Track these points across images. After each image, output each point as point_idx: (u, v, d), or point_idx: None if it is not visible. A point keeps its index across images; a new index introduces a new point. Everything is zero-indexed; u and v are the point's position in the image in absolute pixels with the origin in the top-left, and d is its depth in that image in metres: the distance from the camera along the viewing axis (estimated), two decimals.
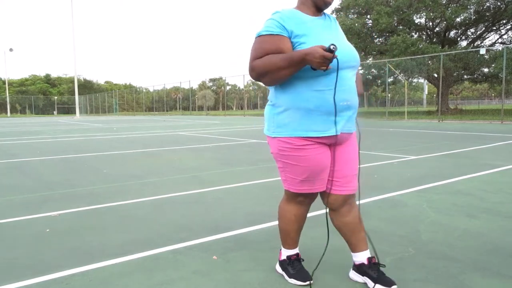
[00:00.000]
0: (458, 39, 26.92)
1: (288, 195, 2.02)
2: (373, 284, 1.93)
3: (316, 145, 1.86)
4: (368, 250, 2.03)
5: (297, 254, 2.12)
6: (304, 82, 1.78)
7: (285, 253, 2.12)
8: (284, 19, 1.78)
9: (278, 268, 2.18)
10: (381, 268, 2.00)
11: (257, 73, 1.77)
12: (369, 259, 1.99)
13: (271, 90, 1.93)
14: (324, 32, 1.82)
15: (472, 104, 57.60)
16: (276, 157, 1.95)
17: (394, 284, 1.91)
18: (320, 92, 1.77)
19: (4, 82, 61.48)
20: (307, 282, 1.99)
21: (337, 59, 1.69)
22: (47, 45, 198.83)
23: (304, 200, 2.00)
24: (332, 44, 1.58)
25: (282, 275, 2.11)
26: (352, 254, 2.04)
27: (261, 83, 1.92)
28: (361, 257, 2.00)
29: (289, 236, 2.08)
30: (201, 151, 7.88)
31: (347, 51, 1.81)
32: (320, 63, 1.60)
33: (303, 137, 1.83)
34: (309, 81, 1.77)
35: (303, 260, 2.13)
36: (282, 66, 1.70)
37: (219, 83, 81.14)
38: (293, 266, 2.07)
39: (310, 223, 2.69)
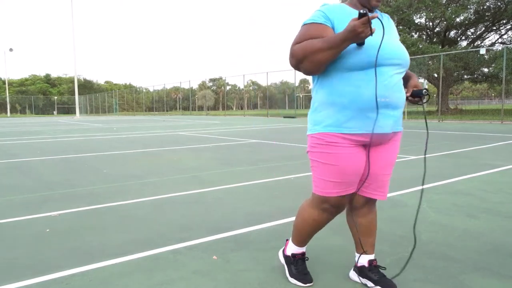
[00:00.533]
0: (458, 39, 26.94)
1: (314, 198, 1.91)
2: (374, 286, 1.93)
3: (349, 144, 1.77)
4: (373, 255, 2.02)
5: (303, 254, 2.09)
6: (341, 76, 1.73)
7: (292, 248, 2.09)
8: (330, 11, 1.76)
9: (280, 255, 2.17)
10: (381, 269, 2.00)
11: (296, 58, 1.72)
12: (370, 261, 1.99)
13: (312, 86, 1.89)
14: None
15: (472, 104, 57.64)
16: (309, 156, 1.90)
17: (395, 287, 1.91)
18: (357, 87, 1.71)
19: (4, 82, 61.51)
20: (307, 284, 1.99)
21: (380, 20, 1.69)
22: (47, 45, 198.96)
23: (328, 208, 1.88)
24: (362, 9, 1.53)
25: (283, 267, 2.12)
26: (356, 254, 2.04)
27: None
28: (363, 259, 2.00)
29: (300, 235, 2.04)
30: (201, 151, 7.88)
31: (391, 48, 1.74)
32: (364, 31, 1.53)
33: (336, 133, 1.76)
34: (346, 75, 1.72)
35: (307, 259, 2.11)
36: (321, 48, 1.63)
37: (219, 83, 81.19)
38: (296, 265, 2.06)
39: None
